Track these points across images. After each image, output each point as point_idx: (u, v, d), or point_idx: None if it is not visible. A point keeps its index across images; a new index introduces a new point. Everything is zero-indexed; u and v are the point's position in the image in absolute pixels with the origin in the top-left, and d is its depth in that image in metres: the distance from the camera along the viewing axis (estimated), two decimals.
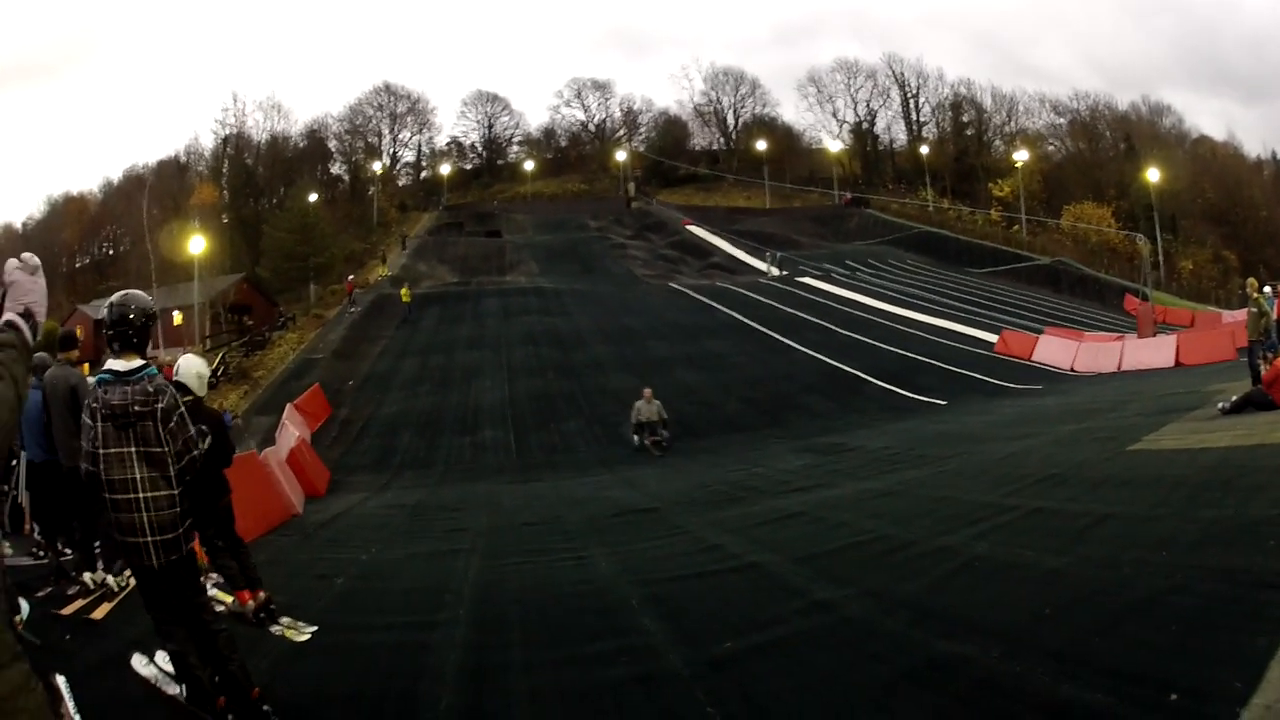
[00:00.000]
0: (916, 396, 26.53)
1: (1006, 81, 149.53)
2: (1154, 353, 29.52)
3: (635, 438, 22.39)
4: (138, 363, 4.88)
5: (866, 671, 4.95)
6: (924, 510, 9.88)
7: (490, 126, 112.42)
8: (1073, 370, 29.89)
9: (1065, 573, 6.29)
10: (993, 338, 35.41)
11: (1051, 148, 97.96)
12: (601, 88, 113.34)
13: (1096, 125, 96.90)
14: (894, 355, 32.89)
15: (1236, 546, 6.05)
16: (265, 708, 5.22)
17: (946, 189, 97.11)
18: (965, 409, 23.27)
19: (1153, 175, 77.75)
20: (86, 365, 8.81)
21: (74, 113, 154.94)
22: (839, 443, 18.81)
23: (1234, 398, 12.49)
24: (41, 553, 9.34)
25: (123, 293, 5.08)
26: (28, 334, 2.32)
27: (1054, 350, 31.97)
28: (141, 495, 4.82)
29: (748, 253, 70.08)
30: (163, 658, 6.12)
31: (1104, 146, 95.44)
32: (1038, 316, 44.40)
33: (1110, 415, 16.27)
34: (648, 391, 22.72)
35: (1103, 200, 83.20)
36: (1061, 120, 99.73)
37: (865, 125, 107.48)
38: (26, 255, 2.56)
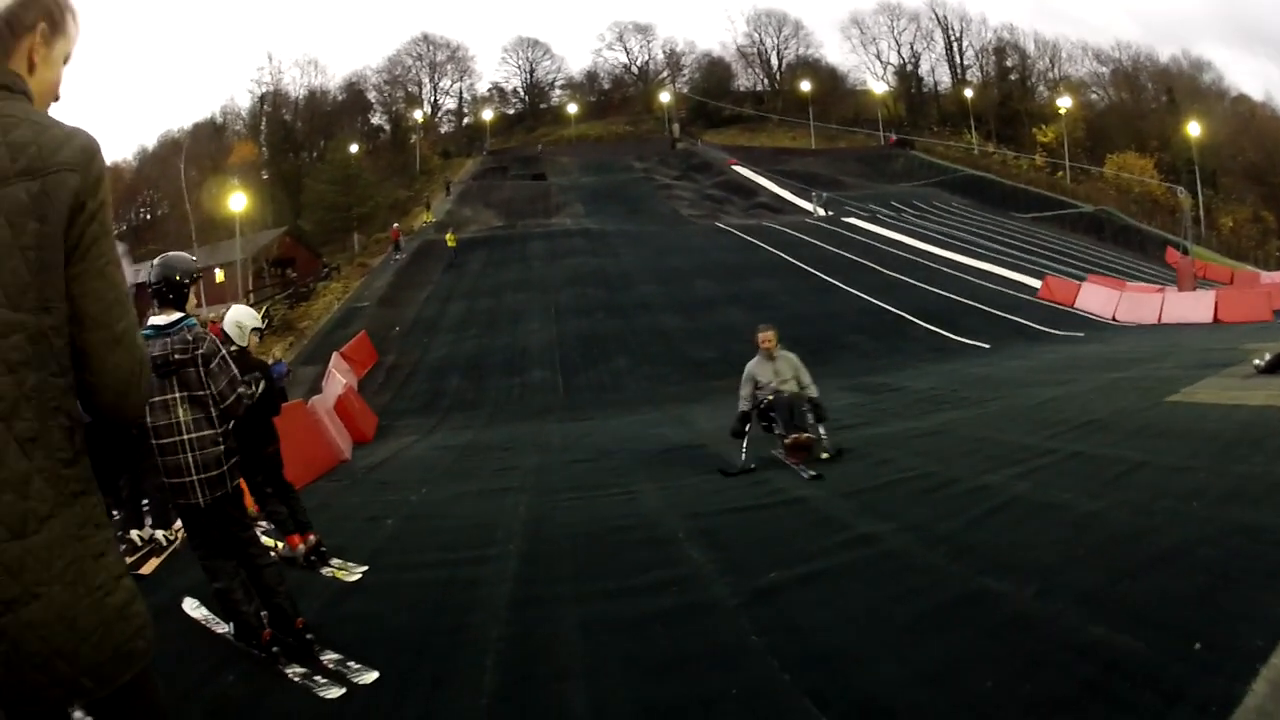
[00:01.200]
0: (960, 339, 26.40)
1: (1048, 28, 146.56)
2: (1193, 307, 29.05)
3: (747, 429, 11.08)
4: (175, 316, 5.17)
5: (906, 604, 4.98)
6: (966, 450, 9.96)
7: (532, 71, 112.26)
8: (1114, 319, 29.49)
9: (1100, 516, 6.35)
10: (1036, 283, 34.95)
11: (1095, 96, 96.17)
12: (643, 30, 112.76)
13: (1138, 76, 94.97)
14: (938, 297, 32.48)
15: (1264, 504, 6.10)
16: (309, 636, 5.41)
17: (991, 133, 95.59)
18: (1008, 353, 23.15)
19: (1194, 129, 76.12)
20: None
21: (103, 84, 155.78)
22: (884, 382, 18.86)
23: (1269, 357, 12.21)
24: None
25: (162, 255, 5.41)
26: None
27: (1096, 298, 31.54)
28: (186, 437, 5.08)
29: (793, 193, 69.48)
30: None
31: (1145, 98, 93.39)
32: (1080, 264, 43.69)
33: (1149, 366, 16.11)
34: (767, 336, 11.18)
35: (1145, 151, 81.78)
36: (1104, 69, 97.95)
37: (909, 68, 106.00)
38: None
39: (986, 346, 25.05)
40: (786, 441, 10.36)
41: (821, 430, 10.62)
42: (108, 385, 2.10)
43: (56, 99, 2.31)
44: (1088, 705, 3.72)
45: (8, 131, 2.01)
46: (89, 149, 2.08)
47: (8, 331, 1.93)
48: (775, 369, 10.93)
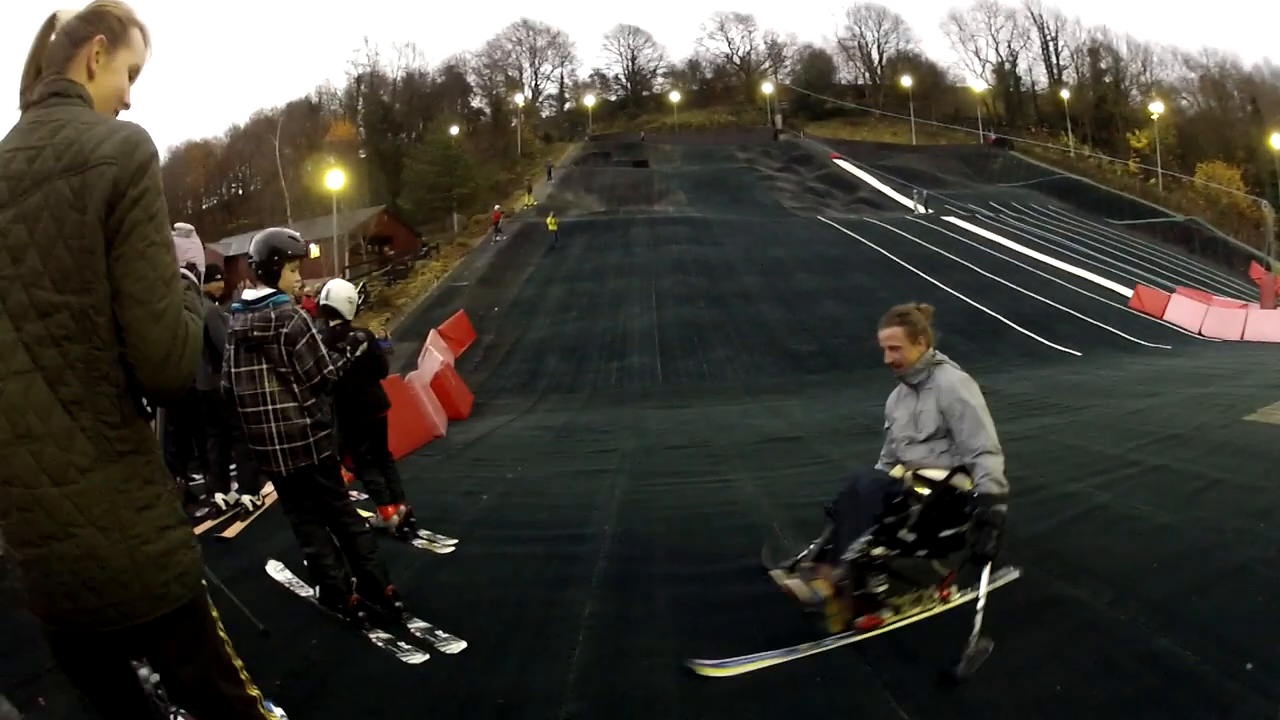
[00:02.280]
0: (1054, 345, 26.26)
1: (1140, 31, 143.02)
2: (1275, 325, 28.06)
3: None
4: (264, 291, 5.27)
5: (987, 603, 4.74)
6: (1055, 456, 9.85)
7: (633, 59, 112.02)
8: (1200, 334, 28.89)
9: (1174, 530, 6.42)
10: (1127, 291, 34.42)
11: (1184, 102, 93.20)
12: (744, 20, 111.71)
13: (1225, 84, 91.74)
14: (1034, 301, 32.19)
15: None
16: (398, 604, 5.53)
17: (1087, 136, 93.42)
18: (1099, 361, 22.95)
19: (1277, 141, 73.43)
20: None
21: (194, 65, 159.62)
22: (980, 385, 18.22)
23: None
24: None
25: (264, 231, 5.55)
26: (194, 279, 2.76)
27: (1184, 311, 30.87)
28: (270, 407, 5.20)
29: (895, 189, 68.65)
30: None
31: (1232, 106, 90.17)
32: (1170, 274, 42.71)
33: (1230, 383, 15.88)
34: (889, 335, 5.45)
35: (1232, 161, 79.08)
36: (1192, 75, 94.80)
37: (1007, 66, 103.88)
38: (180, 224, 2.92)
39: (1078, 354, 24.94)
40: (787, 582, 4.97)
41: (951, 593, 5.12)
42: (147, 358, 2.29)
43: (126, 106, 2.57)
44: (1149, 713, 3.85)
45: (54, 134, 2.27)
46: (129, 141, 2.28)
47: (53, 310, 2.21)
48: (914, 410, 5.36)
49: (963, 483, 4.98)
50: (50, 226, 2.22)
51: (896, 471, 5.26)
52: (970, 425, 5.00)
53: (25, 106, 2.41)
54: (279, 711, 4.16)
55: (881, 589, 4.85)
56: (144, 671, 2.79)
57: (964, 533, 4.89)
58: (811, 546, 5.29)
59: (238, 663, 2.67)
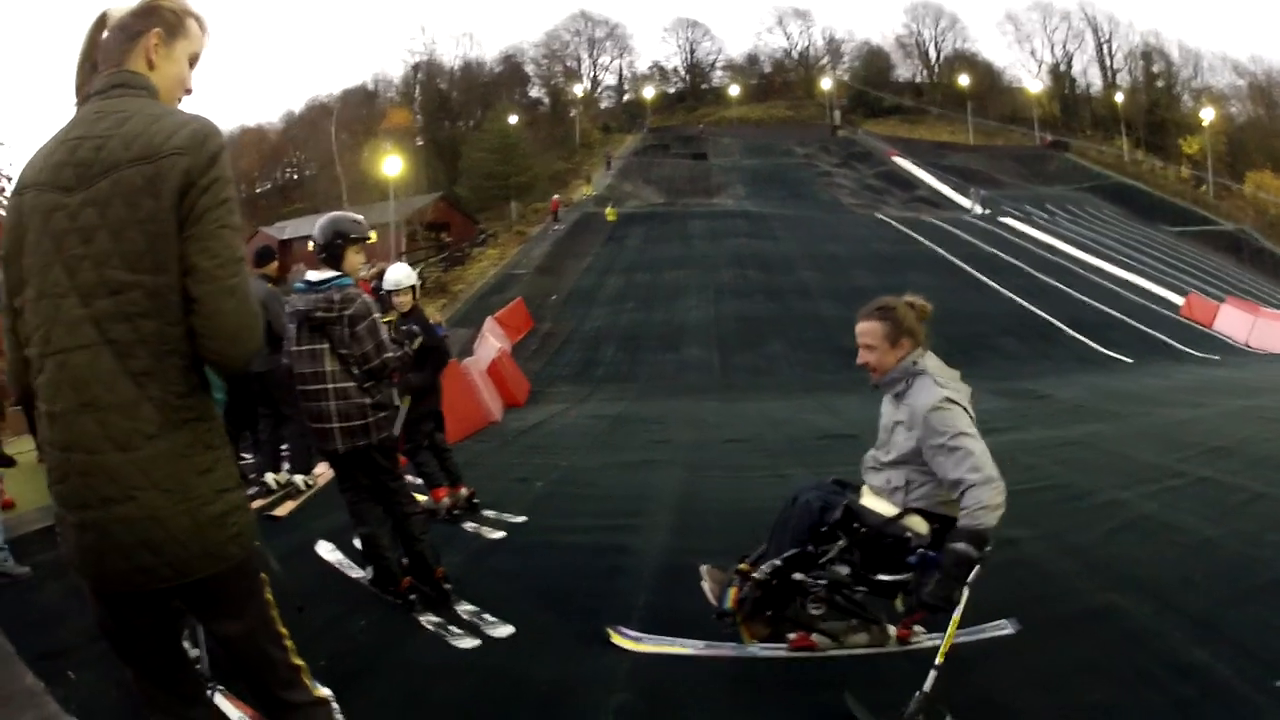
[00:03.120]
0: (1106, 351, 26.20)
1: (1191, 36, 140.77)
2: None
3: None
4: (329, 274, 5.32)
5: (1031, 611, 4.94)
6: (1104, 464, 9.90)
7: (692, 52, 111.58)
8: (1247, 345, 28.54)
9: (1217, 543, 6.37)
10: (1178, 299, 34.21)
11: (1234, 109, 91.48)
12: (802, 15, 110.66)
13: (1272, 92, 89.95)
14: (1087, 306, 32.06)
15: None
16: (447, 586, 5.57)
17: (1140, 139, 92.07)
18: (1149, 369, 22.89)
19: None
20: None
21: (249, 51, 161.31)
22: (1031, 388, 18.66)
23: None
24: None
25: (328, 215, 5.61)
26: None
27: (1232, 321, 30.49)
28: (330, 385, 5.26)
29: (952, 188, 67.99)
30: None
31: (1278, 115, 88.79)
32: (1220, 283, 42.06)
33: (1275, 396, 15.87)
34: (863, 331, 4.54)
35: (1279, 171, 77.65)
36: (1241, 82, 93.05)
37: (1062, 68, 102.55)
38: None
39: (1129, 361, 24.89)
40: (704, 581, 4.70)
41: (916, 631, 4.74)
42: (220, 330, 2.40)
43: (188, 92, 2.71)
44: None
45: (121, 125, 2.39)
46: (200, 133, 2.41)
47: (126, 289, 2.33)
48: (891, 421, 4.58)
49: (915, 525, 4.29)
50: (122, 211, 2.33)
51: (879, 482, 4.52)
52: (950, 457, 4.12)
53: (85, 99, 2.52)
54: (327, 691, 4.13)
55: (817, 612, 4.40)
56: (186, 645, 2.83)
57: (905, 581, 4.28)
58: (761, 548, 4.67)
59: (284, 630, 2.74)
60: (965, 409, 4.26)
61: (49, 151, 2.44)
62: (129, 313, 2.34)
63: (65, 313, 2.36)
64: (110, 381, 2.34)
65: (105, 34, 2.57)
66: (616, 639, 4.87)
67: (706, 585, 4.68)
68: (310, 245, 5.48)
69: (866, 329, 4.54)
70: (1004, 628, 4.65)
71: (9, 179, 36.75)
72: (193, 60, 2.69)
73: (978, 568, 3.95)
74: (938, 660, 3.84)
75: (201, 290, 2.37)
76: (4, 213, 2.72)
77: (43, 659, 4.62)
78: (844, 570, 4.37)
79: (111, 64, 2.51)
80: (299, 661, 2.78)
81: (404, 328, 7.22)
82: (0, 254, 2.53)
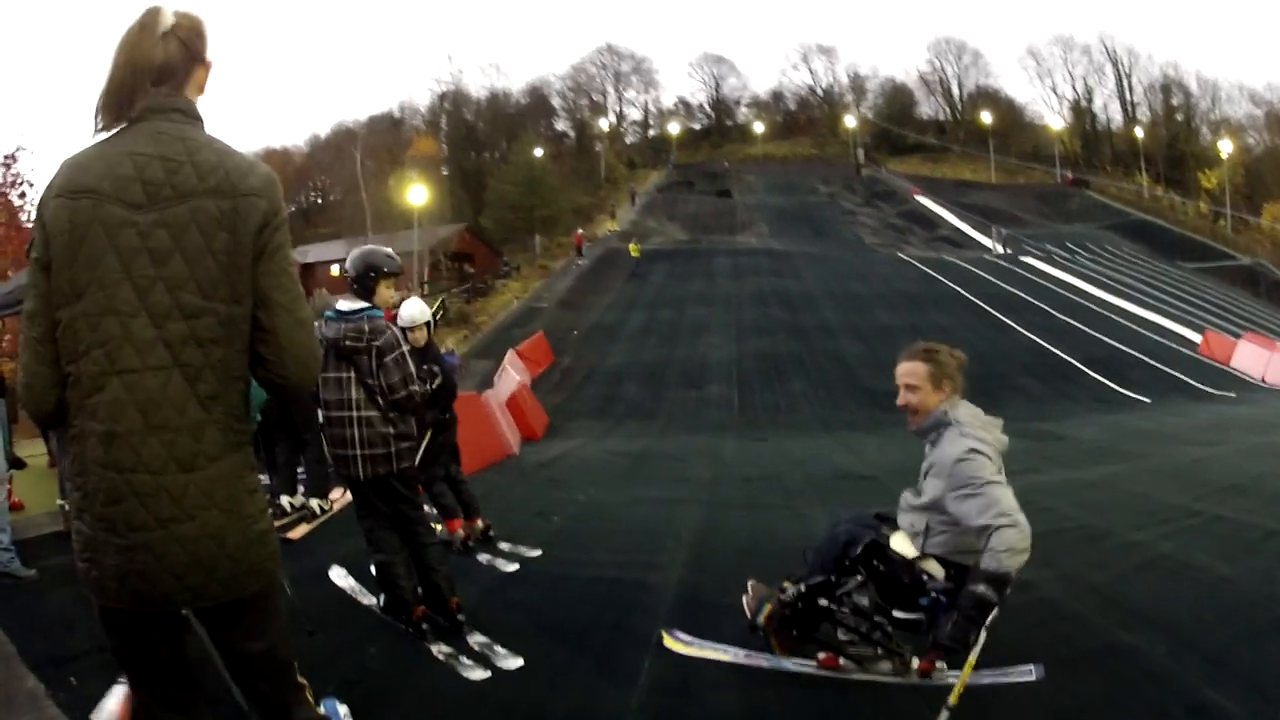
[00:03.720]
0: (1125, 391, 26.04)
1: (1208, 67, 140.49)
2: None
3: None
4: (360, 305, 5.40)
5: (1051, 649, 4.94)
6: (1122, 504, 9.82)
7: (717, 88, 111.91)
8: (1263, 381, 28.46)
9: (1231, 581, 6.39)
10: (1196, 336, 34.14)
11: (1251, 140, 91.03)
12: (826, 52, 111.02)
13: None
14: (1106, 345, 32.08)
15: None
16: (460, 616, 5.57)
17: (1159, 174, 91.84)
18: (1168, 409, 22.72)
19: None
20: None
21: (273, 71, 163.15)
22: (1050, 429, 18.49)
23: None
24: None
25: (361, 248, 5.75)
26: None
27: (1249, 358, 30.36)
28: (355, 414, 5.34)
29: (974, 227, 68.11)
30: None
31: None
32: (1236, 319, 41.92)
33: None
34: (906, 371, 4.65)
35: None
36: (1259, 111, 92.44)
37: (1083, 103, 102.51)
38: None
39: (1148, 401, 24.72)
40: (747, 595, 5.13)
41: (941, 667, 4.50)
42: (295, 359, 2.60)
43: (201, 93, 2.72)
44: None
45: (193, 154, 2.48)
46: (270, 179, 2.61)
47: (200, 314, 2.43)
48: (926, 463, 4.73)
49: (932, 569, 4.45)
50: (198, 239, 2.44)
51: (915, 525, 4.64)
52: (975, 503, 4.22)
53: (138, 114, 2.52)
54: (344, 709, 4.24)
55: (845, 637, 4.61)
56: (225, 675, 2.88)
57: (918, 621, 4.43)
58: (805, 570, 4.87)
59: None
60: (991, 458, 4.33)
61: (110, 161, 2.46)
62: (201, 338, 2.44)
63: (135, 333, 2.41)
64: (180, 405, 2.43)
65: (164, 40, 2.55)
66: (669, 642, 5.12)
67: (746, 598, 5.03)
68: (336, 270, 5.57)
69: (910, 369, 4.61)
70: (1029, 674, 4.54)
71: (30, 184, 37.36)
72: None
73: (995, 611, 3.98)
74: (951, 700, 3.86)
75: (277, 322, 2.55)
76: (35, 213, 2.66)
77: (46, 664, 4.66)
78: (864, 601, 4.48)
79: (175, 84, 2.58)
80: (304, 681, 2.92)
81: (425, 367, 7.21)
82: (38, 256, 2.51)
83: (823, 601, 4.53)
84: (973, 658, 3.97)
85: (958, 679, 3.99)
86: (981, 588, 4.02)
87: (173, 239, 2.41)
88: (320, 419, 5.63)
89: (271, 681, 2.80)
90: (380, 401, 5.32)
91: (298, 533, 8.37)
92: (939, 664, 4.43)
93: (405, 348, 5.45)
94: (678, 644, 5.10)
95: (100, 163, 2.46)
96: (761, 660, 4.79)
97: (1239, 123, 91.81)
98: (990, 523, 4.09)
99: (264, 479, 9.49)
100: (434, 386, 6.97)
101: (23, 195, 36.13)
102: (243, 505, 2.56)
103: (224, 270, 2.44)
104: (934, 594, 4.34)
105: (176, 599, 2.49)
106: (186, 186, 2.43)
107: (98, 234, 2.40)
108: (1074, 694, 4.47)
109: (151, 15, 2.57)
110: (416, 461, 5.69)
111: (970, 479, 4.23)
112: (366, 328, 5.29)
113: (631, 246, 51.68)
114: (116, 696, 4.05)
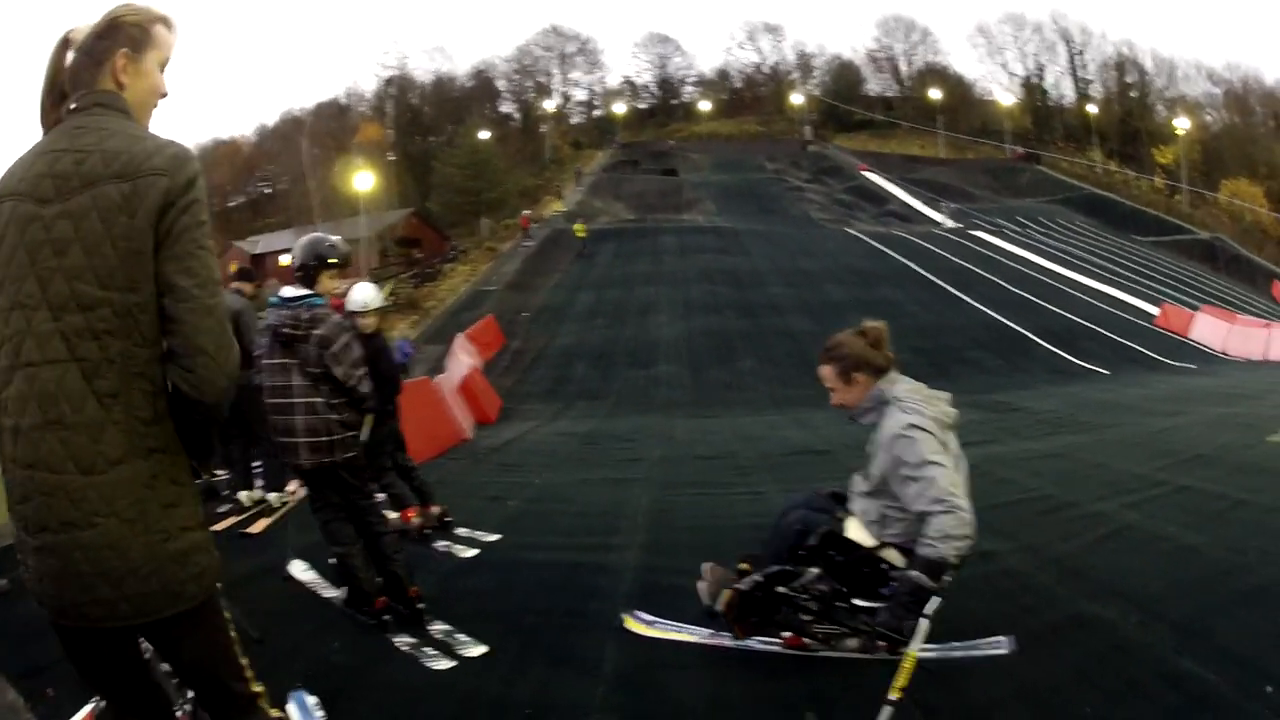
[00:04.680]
0: (1080, 362, 26.53)
1: (1165, 45, 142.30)
2: None
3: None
4: (302, 292, 5.39)
5: (1017, 622, 4.95)
6: (1083, 475, 9.82)
7: (663, 67, 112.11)
8: (1223, 353, 29.12)
9: (1199, 551, 6.41)
10: (1153, 309, 34.96)
11: (1209, 117, 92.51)
12: (773, 30, 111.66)
13: (1248, 99, 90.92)
14: (1060, 318, 32.55)
15: None
16: (420, 605, 5.53)
17: (1113, 151, 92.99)
18: (1125, 380, 23.18)
19: None
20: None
21: (221, 64, 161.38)
22: (1005, 401, 18.77)
23: None
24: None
25: (306, 236, 5.69)
26: None
27: (1208, 330, 31.17)
28: (296, 400, 5.30)
29: (923, 202, 68.90)
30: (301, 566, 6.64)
31: (1255, 122, 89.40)
32: (1194, 292, 42.92)
33: (1254, 403, 16.04)
34: (822, 374, 4.82)
35: (1255, 178, 78.13)
36: (1217, 90, 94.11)
37: (1034, 80, 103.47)
38: None
39: (1105, 372, 25.19)
40: (703, 581, 5.04)
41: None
42: (201, 349, 2.39)
43: (164, 95, 2.70)
44: None
45: (102, 141, 2.41)
46: (179, 157, 2.44)
47: (96, 305, 2.32)
48: (870, 446, 4.68)
49: (891, 558, 4.39)
50: (97, 226, 2.34)
51: (862, 509, 4.60)
52: (914, 486, 4.14)
53: (55, 121, 2.53)
54: (313, 700, 4.24)
55: (807, 619, 4.56)
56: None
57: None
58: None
59: (244, 660, 2.73)
60: (933, 433, 4.29)
61: (28, 162, 2.45)
62: (97, 329, 2.33)
63: (36, 326, 2.35)
64: (77, 400, 2.33)
65: (70, 57, 2.57)
66: (631, 623, 5.13)
67: (702, 584, 4.93)
68: (285, 260, 5.56)
69: (823, 374, 4.75)
70: (999, 646, 4.61)
71: None
72: (163, 65, 2.69)
73: (935, 600, 3.95)
74: (891, 695, 3.72)
75: (181, 309, 2.38)
76: None
77: (24, 677, 4.58)
78: (824, 588, 4.45)
79: (83, 88, 2.51)
80: (258, 689, 2.79)
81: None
82: None
83: (781, 589, 4.51)
84: (913, 650, 3.84)
85: (929, 650, 4.09)
86: (915, 574, 4.00)
87: (74, 229, 2.35)
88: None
89: (214, 698, 2.72)
90: (324, 389, 5.29)
91: (257, 527, 8.31)
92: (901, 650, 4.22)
93: (348, 336, 5.42)
94: (639, 625, 5.12)
95: (20, 165, 2.47)
96: (725, 640, 4.80)
97: (1196, 101, 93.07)
98: (927, 508, 4.07)
99: (222, 474, 9.46)
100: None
101: None
102: (151, 518, 2.41)
103: (122, 257, 2.35)
104: (895, 583, 4.27)
105: (88, 613, 2.40)
106: (92, 174, 2.38)
107: (12, 234, 2.41)
108: (1045, 667, 4.49)
109: (60, 38, 2.61)
110: (360, 451, 5.63)
111: (910, 458, 4.19)
112: (305, 315, 5.26)
113: (577, 227, 51.60)
114: (82, 715, 4.00)
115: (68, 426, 2.32)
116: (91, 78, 2.52)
